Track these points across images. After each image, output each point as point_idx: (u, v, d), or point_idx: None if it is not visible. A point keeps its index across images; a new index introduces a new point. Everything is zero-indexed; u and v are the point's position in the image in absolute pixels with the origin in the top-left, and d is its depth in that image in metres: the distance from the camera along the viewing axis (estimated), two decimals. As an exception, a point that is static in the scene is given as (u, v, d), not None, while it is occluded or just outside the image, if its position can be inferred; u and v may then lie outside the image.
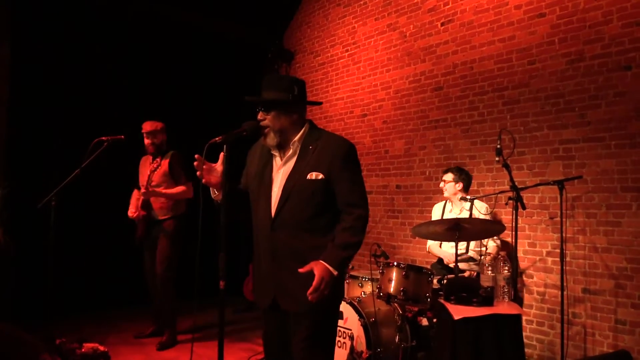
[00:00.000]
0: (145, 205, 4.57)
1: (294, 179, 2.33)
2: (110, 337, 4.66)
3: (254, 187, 2.46)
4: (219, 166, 2.38)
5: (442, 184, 4.42)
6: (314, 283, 2.18)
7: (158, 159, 4.64)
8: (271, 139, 2.36)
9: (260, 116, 2.36)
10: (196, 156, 2.33)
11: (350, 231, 2.28)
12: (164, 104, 5.76)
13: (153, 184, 4.55)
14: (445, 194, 4.38)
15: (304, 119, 2.43)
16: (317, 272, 2.19)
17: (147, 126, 4.65)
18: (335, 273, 2.22)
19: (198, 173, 2.34)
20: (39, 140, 5.23)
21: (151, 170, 4.58)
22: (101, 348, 4.15)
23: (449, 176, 4.37)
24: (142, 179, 4.68)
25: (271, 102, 2.34)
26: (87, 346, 4.12)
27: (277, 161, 2.42)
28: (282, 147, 2.40)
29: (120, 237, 5.00)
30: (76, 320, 5.10)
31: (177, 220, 4.64)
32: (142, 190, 4.45)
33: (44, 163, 5.09)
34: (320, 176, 2.30)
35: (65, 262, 4.86)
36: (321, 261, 2.22)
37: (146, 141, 4.64)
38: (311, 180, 2.30)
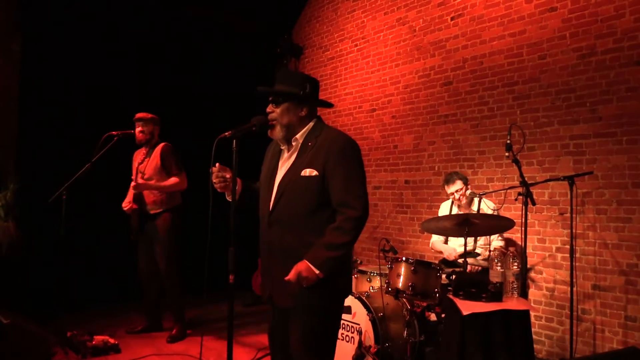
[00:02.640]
0: (137, 199, 4.51)
1: (289, 175, 2.33)
2: (121, 330, 4.70)
3: (264, 182, 2.48)
4: (228, 172, 2.39)
5: (454, 195, 4.31)
6: (289, 275, 2.19)
7: (146, 151, 4.62)
8: (277, 132, 2.37)
9: (269, 109, 2.37)
10: (215, 166, 2.35)
11: (337, 232, 2.23)
12: (173, 98, 5.78)
13: (145, 177, 4.51)
14: (463, 202, 4.33)
15: (313, 116, 2.43)
16: (296, 266, 2.20)
17: (139, 114, 4.61)
18: (317, 272, 2.19)
19: (216, 183, 2.37)
20: (49, 134, 5.26)
21: (138, 162, 4.55)
22: (111, 341, 4.20)
23: (458, 184, 4.28)
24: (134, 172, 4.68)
25: (281, 95, 2.35)
26: (98, 339, 4.17)
27: (283, 157, 2.44)
28: (288, 142, 2.41)
29: (129, 232, 5.03)
30: (87, 313, 5.15)
31: (172, 213, 4.57)
32: (133, 183, 4.41)
33: (55, 157, 5.12)
34: (314, 173, 2.27)
35: (75, 255, 4.91)
36: (305, 260, 2.21)
37: (136, 129, 4.58)
38: (304, 177, 2.28)
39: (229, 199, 2.46)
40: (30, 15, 5.19)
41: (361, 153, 2.40)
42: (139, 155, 4.73)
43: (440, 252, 4.49)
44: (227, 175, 2.37)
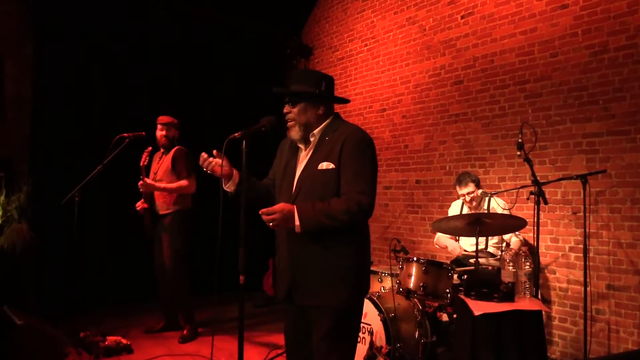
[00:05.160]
0: (148, 198, 4.58)
1: (307, 170, 2.34)
2: (133, 331, 4.73)
3: (279, 179, 2.48)
4: (218, 159, 2.39)
5: (465, 197, 4.30)
6: (271, 208, 2.16)
7: (164, 155, 4.70)
8: (295, 133, 2.37)
9: (286, 109, 2.38)
10: (202, 154, 2.37)
11: (340, 206, 2.20)
12: (184, 100, 5.81)
13: (157, 178, 4.58)
14: (473, 205, 4.31)
15: (330, 113, 2.43)
16: (282, 206, 2.17)
17: (163, 118, 4.69)
18: (297, 224, 2.17)
19: (205, 168, 2.38)
20: (62, 137, 5.31)
21: (156, 163, 4.64)
22: (124, 341, 4.23)
23: (470, 187, 4.26)
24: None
25: (298, 95, 2.35)
26: (110, 339, 4.20)
27: (300, 155, 2.44)
28: (306, 140, 2.41)
29: (142, 232, 5.06)
30: (99, 314, 5.18)
31: (179, 215, 4.62)
32: (140, 182, 4.45)
33: (67, 160, 5.17)
34: (331, 166, 2.28)
35: (88, 256, 4.95)
36: (294, 207, 2.18)
37: (159, 133, 4.66)
38: (322, 170, 2.29)
39: (224, 187, 2.45)
40: (42, 21, 5.23)
41: (375, 150, 2.38)
42: (157, 157, 4.83)
43: (445, 248, 4.47)
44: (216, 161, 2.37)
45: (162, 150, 4.76)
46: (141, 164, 4.54)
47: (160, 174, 4.62)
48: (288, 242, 2.35)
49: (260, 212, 2.17)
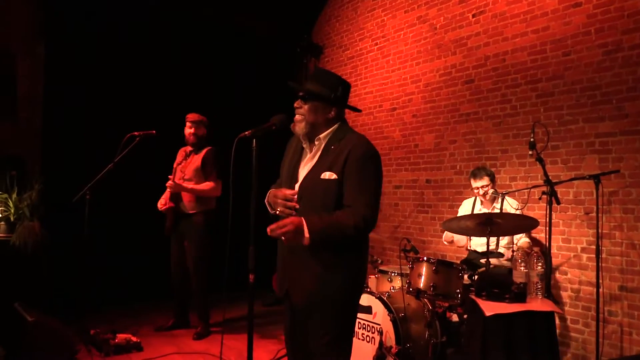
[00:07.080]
0: (175, 197, 4.60)
1: (310, 177, 2.34)
2: (143, 329, 4.75)
3: (286, 180, 2.47)
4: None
5: (478, 191, 4.27)
6: (281, 222, 2.16)
7: (189, 151, 4.71)
8: (300, 128, 2.36)
9: (297, 104, 2.37)
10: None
11: (348, 219, 2.19)
12: (194, 99, 5.81)
13: (186, 177, 4.59)
14: (487, 198, 4.28)
15: (340, 119, 2.42)
16: (292, 219, 2.17)
17: (192, 116, 4.70)
18: (307, 236, 2.15)
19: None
20: (73, 135, 5.34)
21: (177, 162, 4.63)
22: (134, 339, 4.24)
23: (485, 180, 4.23)
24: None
25: (312, 94, 2.35)
26: (121, 337, 4.21)
27: (305, 156, 2.44)
28: (311, 140, 2.40)
29: (153, 230, 5.08)
30: (109, 312, 5.21)
31: (206, 215, 4.67)
32: (170, 182, 4.49)
33: (79, 158, 5.20)
34: (334, 176, 2.27)
35: (99, 254, 4.98)
36: (303, 219, 2.17)
37: (188, 130, 4.68)
38: (324, 179, 2.28)
39: (271, 211, 2.45)
40: (54, 20, 5.26)
41: (381, 162, 2.36)
42: (182, 153, 4.83)
43: (452, 242, 4.45)
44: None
45: (189, 147, 4.76)
46: (175, 165, 4.65)
47: (189, 174, 4.62)
48: (289, 244, 2.35)
49: (269, 229, 2.16)
